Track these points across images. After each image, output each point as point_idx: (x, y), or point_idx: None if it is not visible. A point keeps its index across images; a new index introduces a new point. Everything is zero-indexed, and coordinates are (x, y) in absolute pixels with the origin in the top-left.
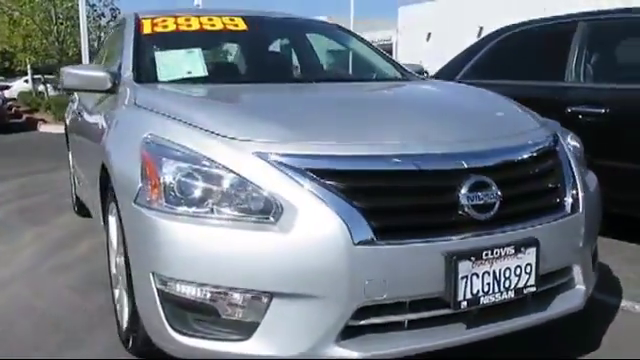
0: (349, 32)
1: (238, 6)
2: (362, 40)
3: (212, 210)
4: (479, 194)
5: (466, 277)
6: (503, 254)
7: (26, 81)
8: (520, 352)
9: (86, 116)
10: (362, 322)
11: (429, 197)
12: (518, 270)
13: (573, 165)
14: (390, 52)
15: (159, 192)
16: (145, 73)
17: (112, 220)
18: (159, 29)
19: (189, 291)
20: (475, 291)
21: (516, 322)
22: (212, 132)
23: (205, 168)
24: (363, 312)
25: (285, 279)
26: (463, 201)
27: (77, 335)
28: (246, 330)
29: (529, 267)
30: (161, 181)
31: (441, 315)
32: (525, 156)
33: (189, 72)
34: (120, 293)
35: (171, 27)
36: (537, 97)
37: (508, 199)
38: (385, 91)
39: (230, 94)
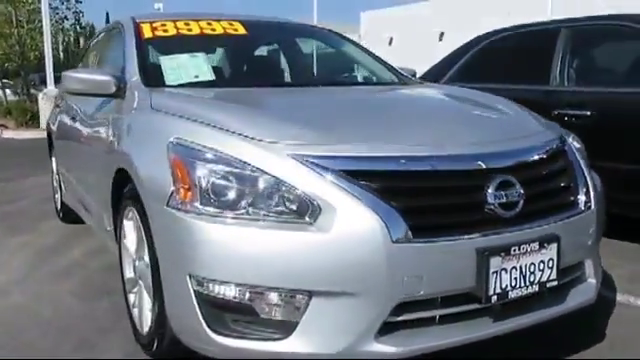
0: (346, 38)
1: (200, 9)
2: (360, 46)
3: (249, 211)
4: (505, 193)
5: (496, 272)
6: (529, 250)
7: None
8: (531, 346)
9: (84, 122)
10: (399, 318)
11: (460, 196)
12: (541, 265)
13: (582, 165)
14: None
15: (193, 195)
16: (152, 77)
17: (129, 224)
18: (160, 33)
19: (227, 292)
20: (504, 285)
21: (537, 315)
22: (243, 135)
23: (239, 170)
24: (400, 308)
25: (324, 278)
26: (490, 199)
27: (90, 341)
28: (285, 329)
29: (551, 262)
30: (195, 184)
31: (469, 310)
32: (540, 156)
33: (196, 76)
34: (139, 297)
35: (172, 31)
36: (524, 100)
37: (529, 197)
38: (398, 94)
39: (248, 98)
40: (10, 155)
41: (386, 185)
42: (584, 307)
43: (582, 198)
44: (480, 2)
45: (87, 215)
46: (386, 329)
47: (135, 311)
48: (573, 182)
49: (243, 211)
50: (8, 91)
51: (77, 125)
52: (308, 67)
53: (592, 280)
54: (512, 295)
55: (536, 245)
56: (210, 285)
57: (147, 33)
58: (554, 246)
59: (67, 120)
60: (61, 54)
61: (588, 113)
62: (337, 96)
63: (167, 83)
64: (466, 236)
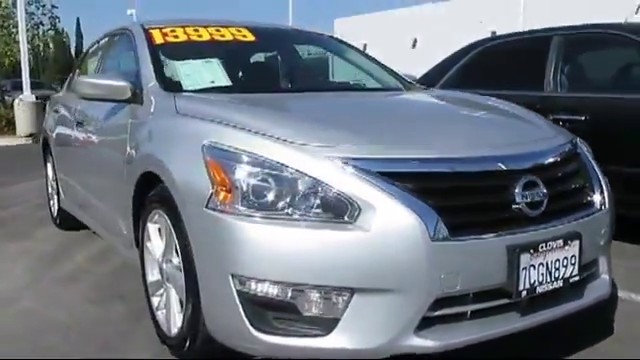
0: (350, 45)
1: (173, 15)
2: (364, 53)
3: (290, 211)
4: (530, 192)
5: (525, 268)
6: (554, 247)
7: None
8: (546, 342)
9: (94, 127)
10: (436, 313)
11: (490, 196)
12: (565, 261)
13: (595, 166)
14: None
15: (233, 196)
16: (170, 83)
17: (153, 228)
18: (170, 39)
19: (269, 290)
20: (532, 281)
21: (560, 310)
22: (278, 138)
23: (278, 172)
24: (437, 304)
25: (366, 275)
26: (518, 199)
27: (112, 344)
28: (327, 325)
29: (573, 258)
30: (236, 185)
31: (498, 305)
32: (558, 158)
33: (212, 81)
34: (166, 299)
35: (182, 37)
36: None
37: (552, 197)
38: (413, 100)
39: (272, 102)
40: None
41: (422, 186)
42: (599, 302)
43: (597, 198)
44: (453, 10)
45: (92, 221)
46: (424, 324)
47: (160, 313)
48: (588, 183)
49: (284, 211)
50: None
51: (84, 131)
52: (319, 72)
53: (605, 276)
54: (539, 290)
55: (560, 242)
56: (253, 284)
57: (158, 39)
58: (576, 243)
59: (70, 125)
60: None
61: (582, 118)
62: (357, 101)
63: (184, 88)
64: (497, 234)
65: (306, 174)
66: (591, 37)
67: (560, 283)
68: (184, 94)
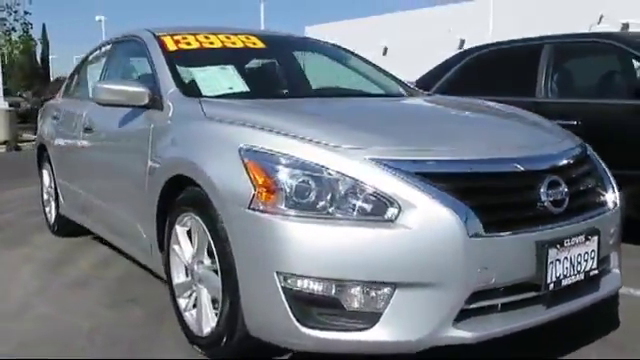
0: (352, 52)
1: (142, 21)
2: (367, 60)
3: (333, 211)
4: (554, 191)
5: (552, 262)
6: (577, 242)
7: None
8: (558, 335)
9: (108, 133)
10: (472, 306)
11: (519, 194)
12: (586, 255)
13: (604, 167)
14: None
15: (277, 197)
16: (189, 89)
17: (182, 231)
18: (183, 46)
19: (314, 286)
20: (558, 274)
21: (580, 302)
22: (313, 141)
23: (318, 173)
24: (473, 297)
25: (408, 270)
26: (543, 197)
27: (140, 345)
28: (370, 319)
29: (593, 253)
30: (279, 187)
31: (526, 298)
32: (574, 159)
33: (230, 87)
34: (198, 299)
35: (195, 44)
36: None
37: (572, 195)
38: (432, 104)
39: (297, 107)
40: None
41: (457, 185)
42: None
43: (610, 197)
44: (422, 18)
45: (98, 227)
46: (461, 316)
47: (187, 314)
48: (600, 183)
49: (328, 211)
50: None
51: (94, 136)
52: (330, 79)
53: (617, 270)
54: (564, 283)
55: (582, 238)
56: (298, 281)
57: (171, 46)
58: (596, 239)
59: (75, 132)
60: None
61: (575, 122)
62: (377, 105)
63: (204, 94)
64: (527, 230)
65: (346, 175)
66: (581, 45)
67: (582, 276)
68: (210, 99)
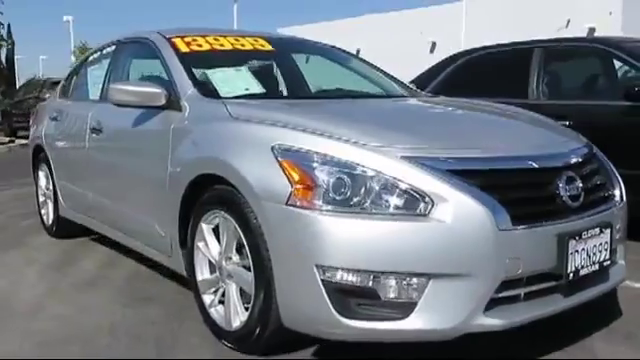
0: (351, 54)
1: (112, 22)
2: (369, 63)
3: (369, 206)
4: (571, 187)
5: (572, 253)
6: (593, 234)
7: None
8: (569, 325)
9: (121, 133)
10: (500, 295)
11: (542, 189)
12: (600, 247)
13: (610, 165)
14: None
15: (315, 194)
16: (208, 90)
17: (207, 228)
18: (195, 48)
19: (353, 278)
20: (577, 265)
21: (593, 291)
22: (344, 139)
23: (352, 170)
24: (502, 286)
25: (441, 262)
26: (562, 192)
27: (166, 341)
28: (406, 309)
29: (606, 244)
30: (317, 184)
31: (547, 287)
32: (584, 157)
33: (246, 89)
34: (226, 294)
35: (206, 46)
36: None
37: (585, 191)
38: (445, 106)
39: (318, 108)
40: None
41: (487, 181)
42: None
43: (617, 192)
44: (395, 20)
45: (106, 227)
46: (490, 305)
47: (213, 310)
48: (608, 179)
49: (364, 206)
50: None
51: (103, 137)
52: (335, 80)
53: (622, 262)
54: (581, 273)
55: (597, 230)
56: (337, 273)
57: (183, 48)
58: (608, 231)
59: (80, 132)
60: None
61: (567, 123)
62: (395, 106)
63: (222, 95)
64: (549, 223)
65: (381, 172)
66: (571, 49)
67: (597, 267)
68: (232, 100)
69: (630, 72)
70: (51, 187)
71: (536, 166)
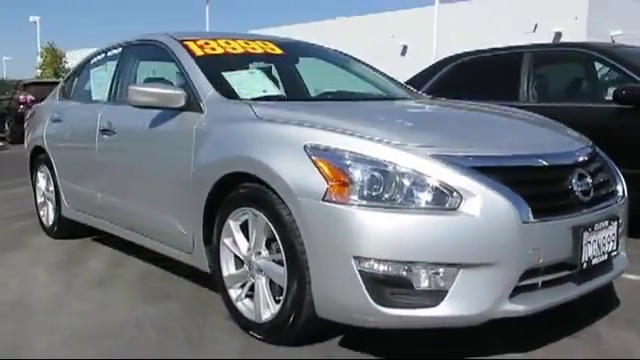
0: (358, 60)
1: (77, 24)
2: (370, 66)
3: (402, 201)
4: (582, 182)
5: (586, 244)
6: (603, 226)
7: None
8: (574, 313)
9: (137, 134)
10: (523, 283)
11: (558, 185)
12: (609, 238)
13: (612, 163)
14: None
15: (350, 190)
16: (227, 92)
17: (235, 225)
18: (209, 51)
19: (388, 268)
20: (590, 255)
21: (601, 279)
22: (372, 138)
23: (384, 168)
24: (525, 275)
25: (470, 252)
26: (575, 187)
27: (194, 336)
28: (437, 297)
29: (614, 236)
30: (352, 181)
31: (561, 276)
32: (588, 156)
33: (264, 90)
34: (255, 288)
35: (219, 49)
36: None
37: (594, 186)
38: (457, 107)
39: (347, 109)
40: None
41: (510, 178)
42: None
43: (620, 188)
44: (367, 24)
45: (117, 227)
46: (513, 292)
47: (240, 304)
48: (611, 176)
49: (397, 201)
50: None
51: (115, 138)
52: (353, 83)
53: (624, 253)
54: (593, 262)
55: (606, 222)
56: (374, 264)
57: (197, 51)
58: (615, 223)
59: (88, 133)
60: None
61: None
62: (411, 107)
63: (241, 97)
64: (566, 216)
65: (412, 169)
66: (559, 54)
67: (605, 257)
68: (256, 102)
69: (608, 75)
70: (52, 188)
71: (552, 164)
